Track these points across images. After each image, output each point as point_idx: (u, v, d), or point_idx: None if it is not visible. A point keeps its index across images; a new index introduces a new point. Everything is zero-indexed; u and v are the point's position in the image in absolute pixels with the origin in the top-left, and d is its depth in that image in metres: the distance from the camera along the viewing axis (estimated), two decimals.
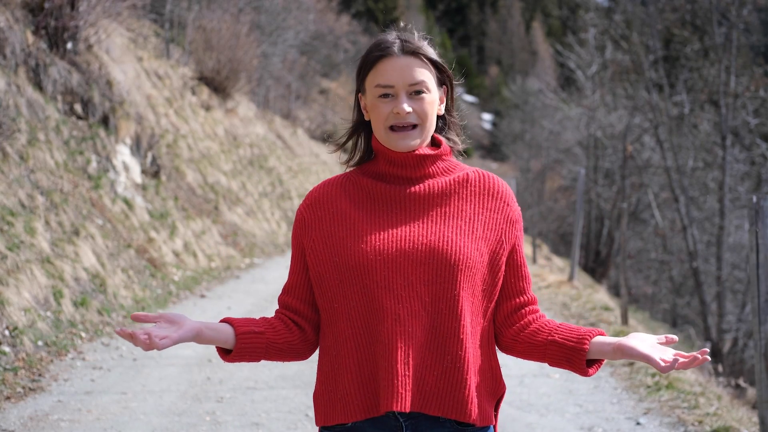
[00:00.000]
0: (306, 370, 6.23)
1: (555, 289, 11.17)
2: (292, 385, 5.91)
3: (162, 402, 5.43)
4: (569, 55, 29.05)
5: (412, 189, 1.91)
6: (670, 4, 20.28)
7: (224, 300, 9.56)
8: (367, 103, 1.93)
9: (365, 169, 1.97)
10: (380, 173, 1.94)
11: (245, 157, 18.85)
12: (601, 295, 11.88)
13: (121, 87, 11.88)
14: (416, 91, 1.88)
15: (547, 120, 33.56)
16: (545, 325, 1.94)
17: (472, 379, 1.86)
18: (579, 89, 29.59)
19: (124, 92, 11.94)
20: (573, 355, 1.88)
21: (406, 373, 1.80)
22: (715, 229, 19.47)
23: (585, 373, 1.89)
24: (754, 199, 4.43)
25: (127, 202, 10.47)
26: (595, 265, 25.86)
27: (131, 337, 1.72)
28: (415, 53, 1.89)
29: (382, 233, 1.86)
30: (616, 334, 7.76)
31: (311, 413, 5.23)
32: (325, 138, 29.51)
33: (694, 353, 1.76)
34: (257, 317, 1.98)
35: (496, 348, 1.99)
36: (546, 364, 6.74)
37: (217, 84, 18.85)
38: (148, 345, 1.73)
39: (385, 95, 1.88)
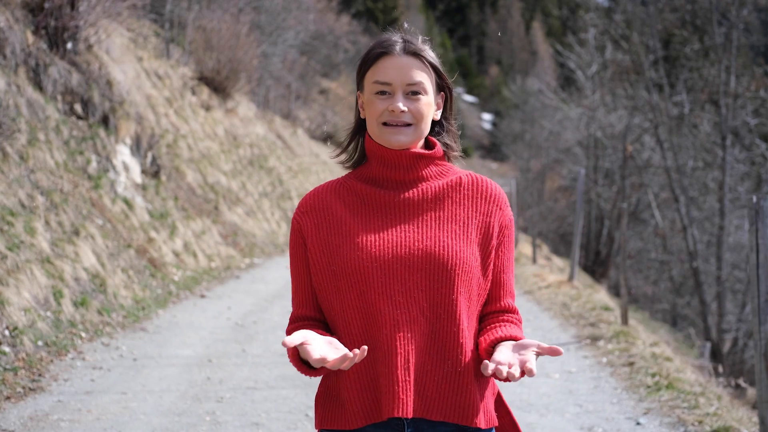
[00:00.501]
0: None
1: (555, 289, 11.17)
2: (292, 385, 5.91)
3: (162, 402, 5.43)
4: (569, 55, 29.06)
5: (406, 194, 1.91)
6: (670, 4, 20.30)
7: (224, 300, 9.56)
8: (364, 100, 1.93)
9: (359, 174, 1.97)
10: (374, 177, 1.94)
11: (245, 157, 18.86)
12: (601, 295, 11.87)
13: (121, 87, 11.88)
14: (413, 92, 1.88)
15: (547, 120, 33.57)
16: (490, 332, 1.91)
17: (473, 383, 1.87)
18: (579, 89, 29.60)
19: (124, 92, 11.94)
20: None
21: (407, 378, 1.80)
22: (715, 229, 19.47)
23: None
24: (754, 199, 4.43)
25: (127, 202, 10.47)
26: (595, 265, 25.88)
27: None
28: (417, 55, 1.89)
29: (377, 239, 1.86)
30: (616, 334, 7.79)
31: (311, 413, 5.23)
32: (324, 138, 29.48)
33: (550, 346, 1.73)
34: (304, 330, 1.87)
35: None
36: (546, 364, 6.72)
37: (217, 84, 18.86)
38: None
39: (383, 92, 1.88)
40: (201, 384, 5.91)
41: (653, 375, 6.28)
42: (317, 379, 5.00)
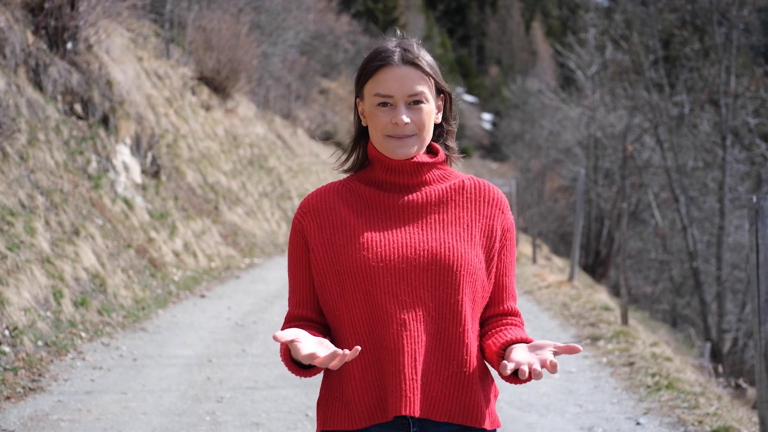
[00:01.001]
0: None
1: (555, 289, 11.18)
2: (292, 385, 5.91)
3: (162, 402, 5.43)
4: (569, 55, 29.07)
5: (410, 196, 1.92)
6: (670, 4, 20.28)
7: (224, 300, 9.56)
8: (366, 110, 1.93)
9: (361, 177, 1.97)
10: (377, 181, 1.94)
11: (245, 157, 18.86)
12: (601, 295, 11.88)
13: (121, 87, 11.88)
14: (415, 101, 1.88)
15: (546, 120, 33.59)
16: (498, 334, 1.92)
17: (478, 384, 1.88)
18: (579, 89, 29.61)
19: (124, 92, 11.94)
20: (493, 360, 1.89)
21: (414, 377, 1.81)
22: (715, 229, 19.47)
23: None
24: (754, 199, 4.44)
25: (127, 202, 10.47)
26: (595, 265, 25.88)
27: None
28: (415, 63, 1.89)
29: (382, 240, 1.87)
30: (616, 334, 7.79)
31: (311, 413, 5.23)
32: (323, 139, 29.38)
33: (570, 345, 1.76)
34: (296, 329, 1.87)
35: None
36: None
37: (217, 84, 18.86)
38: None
39: (384, 104, 1.88)
40: (201, 384, 5.91)
41: (653, 375, 6.28)
42: (318, 380, 5.01)
